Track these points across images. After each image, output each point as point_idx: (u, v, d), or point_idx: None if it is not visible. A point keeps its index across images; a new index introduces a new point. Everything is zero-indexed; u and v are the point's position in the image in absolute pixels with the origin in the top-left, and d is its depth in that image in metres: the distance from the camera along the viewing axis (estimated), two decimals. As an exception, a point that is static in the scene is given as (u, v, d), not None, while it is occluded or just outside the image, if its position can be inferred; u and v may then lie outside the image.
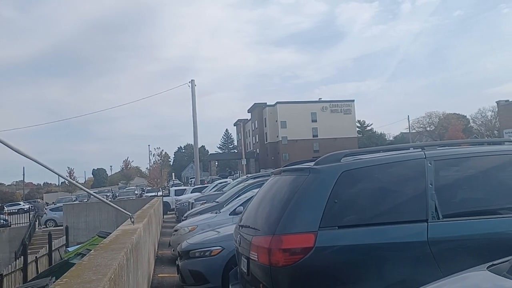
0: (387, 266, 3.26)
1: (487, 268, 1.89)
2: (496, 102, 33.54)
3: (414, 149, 3.94)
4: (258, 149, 77.92)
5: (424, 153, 3.67)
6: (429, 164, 3.56)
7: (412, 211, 3.43)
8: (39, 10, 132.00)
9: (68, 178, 5.02)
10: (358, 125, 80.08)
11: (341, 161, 3.63)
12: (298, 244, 3.25)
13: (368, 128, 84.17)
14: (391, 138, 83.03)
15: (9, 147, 3.16)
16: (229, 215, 9.04)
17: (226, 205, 10.48)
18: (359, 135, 76.73)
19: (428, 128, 75.23)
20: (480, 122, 71.77)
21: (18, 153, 3.22)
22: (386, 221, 3.38)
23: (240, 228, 4.21)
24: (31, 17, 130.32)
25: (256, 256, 3.52)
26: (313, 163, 3.76)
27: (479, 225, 3.44)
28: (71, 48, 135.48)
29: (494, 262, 1.93)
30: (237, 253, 4.29)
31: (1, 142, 3.16)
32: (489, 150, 4.06)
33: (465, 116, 75.99)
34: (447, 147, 4.13)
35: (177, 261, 7.00)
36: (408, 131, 71.88)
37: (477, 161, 3.80)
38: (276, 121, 71.02)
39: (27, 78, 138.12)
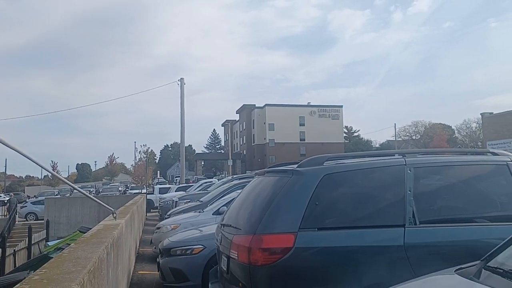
0: (364, 268, 3.33)
1: (455, 271, 1.97)
2: (480, 114, 34.12)
3: (395, 155, 4.03)
4: (245, 151, 77.97)
5: (405, 160, 3.77)
6: (409, 171, 3.65)
7: (391, 216, 3.51)
8: (28, 0, 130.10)
9: (51, 171, 4.99)
10: (346, 131, 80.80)
11: (324, 164, 3.70)
12: (278, 244, 3.31)
13: (355, 134, 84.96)
14: (377, 145, 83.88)
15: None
16: (212, 214, 9.05)
17: (209, 205, 10.47)
18: (346, 141, 77.39)
19: (413, 137, 76.24)
20: (464, 133, 73.02)
21: (1, 143, 3.21)
22: (365, 225, 3.46)
23: (222, 227, 4.25)
24: (19, 7, 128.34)
25: (236, 255, 3.56)
26: (296, 165, 3.82)
27: (454, 232, 3.53)
28: (59, 40, 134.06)
29: (462, 266, 2.01)
30: (218, 252, 4.33)
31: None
32: (468, 160, 4.17)
33: (451, 126, 77.26)
34: (427, 155, 4.23)
35: (158, 259, 6.99)
36: (394, 139, 72.71)
37: (455, 170, 3.91)
38: (264, 123, 71.20)
39: (12, 68, 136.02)
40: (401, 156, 3.91)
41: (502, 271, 1.74)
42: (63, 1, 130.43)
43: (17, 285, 2.17)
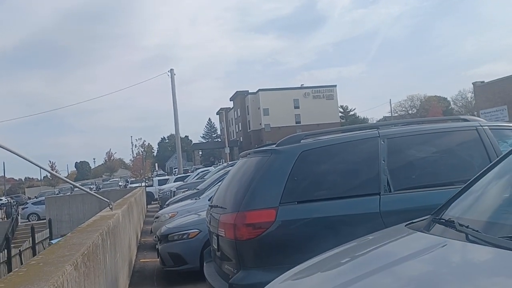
0: (343, 236, 3.52)
1: (405, 225, 2.17)
2: (472, 83, 34.27)
3: (370, 129, 4.22)
4: (241, 137, 78.13)
5: (378, 132, 3.96)
6: (382, 142, 3.85)
7: (366, 185, 3.72)
8: (13, 1, 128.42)
9: (50, 170, 5.22)
10: (341, 110, 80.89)
11: (301, 142, 3.89)
12: (260, 219, 3.52)
13: (351, 113, 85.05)
14: (374, 122, 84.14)
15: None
16: (208, 200, 9.25)
17: (206, 192, 10.70)
18: (342, 120, 77.51)
19: (410, 111, 76.47)
20: (460, 103, 73.34)
21: (3, 148, 3.38)
22: (342, 196, 3.67)
23: (211, 208, 4.47)
24: (5, 8, 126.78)
25: (224, 232, 3.78)
26: (275, 145, 4.01)
27: (428, 197, 3.73)
28: (48, 39, 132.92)
29: (413, 221, 2.22)
30: (209, 232, 4.55)
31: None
32: (439, 127, 4.36)
33: (446, 98, 77.46)
34: (402, 126, 4.43)
35: (157, 245, 7.23)
36: (391, 115, 72.94)
37: (427, 138, 4.11)
38: (259, 108, 71.24)
39: (3, 70, 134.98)
40: (376, 129, 4.10)
41: (444, 221, 1.94)
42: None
43: (16, 269, 2.37)
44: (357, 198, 3.67)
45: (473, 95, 65.96)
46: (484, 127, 4.08)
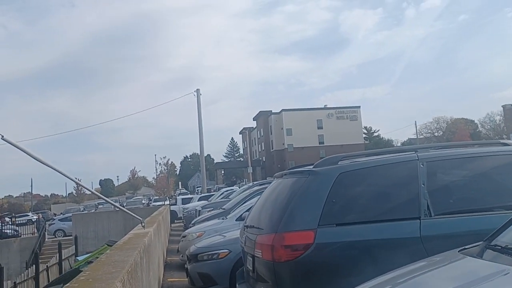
0: (382, 260, 3.48)
1: (459, 251, 2.13)
2: (502, 106, 33.57)
3: (408, 151, 4.19)
4: (264, 157, 78.19)
5: (417, 155, 3.92)
6: (421, 165, 3.80)
7: (406, 209, 3.66)
8: (45, 23, 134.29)
9: (91, 189, 5.35)
10: (365, 131, 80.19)
11: (338, 163, 3.89)
12: (298, 240, 3.50)
13: (375, 134, 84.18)
14: (398, 144, 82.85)
15: (32, 157, 3.47)
16: (236, 221, 9.26)
17: (232, 212, 10.71)
18: (366, 142, 76.76)
19: (436, 134, 75.23)
20: (488, 126, 71.63)
21: (42, 163, 3.53)
22: (381, 219, 3.62)
23: (246, 228, 4.47)
24: (37, 30, 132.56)
25: (260, 253, 3.77)
26: (312, 166, 4.02)
27: (469, 222, 3.65)
28: (76, 60, 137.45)
29: (466, 247, 2.18)
30: (243, 253, 4.54)
31: (24, 152, 3.47)
32: (479, 151, 4.29)
33: (473, 120, 75.94)
34: (440, 149, 4.37)
35: (186, 265, 7.24)
36: (416, 137, 71.84)
37: (467, 162, 4.04)
38: (282, 128, 71.35)
39: (34, 90, 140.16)
40: (414, 152, 4.07)
41: (501, 247, 1.90)
42: (79, 22, 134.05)
43: (67, 284, 2.43)
44: (397, 222, 3.62)
45: (501, 117, 64.63)
46: (526, 151, 3.99)
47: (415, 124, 71.16)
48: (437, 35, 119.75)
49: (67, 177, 4.12)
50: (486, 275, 1.65)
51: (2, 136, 3.19)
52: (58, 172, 3.92)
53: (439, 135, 74.07)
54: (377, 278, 2.20)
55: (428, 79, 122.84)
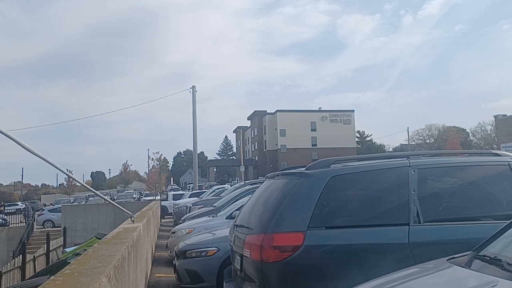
0: (370, 265, 3.49)
1: (447, 260, 2.14)
2: (494, 116, 33.84)
3: (399, 158, 4.20)
4: (257, 157, 78.16)
5: (409, 162, 3.93)
6: (413, 172, 3.82)
7: (395, 215, 3.68)
8: (43, 12, 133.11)
9: (82, 182, 5.28)
10: (358, 135, 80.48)
11: (331, 167, 3.89)
12: (287, 242, 3.50)
13: (368, 138, 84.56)
14: (390, 149, 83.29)
15: (24, 148, 3.42)
16: (226, 219, 9.25)
17: (223, 210, 10.68)
18: (358, 146, 77.05)
19: (427, 141, 75.68)
20: (479, 136, 72.24)
21: (33, 153, 3.49)
22: (370, 224, 3.63)
23: (235, 227, 4.46)
24: (35, 19, 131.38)
25: (249, 253, 3.76)
26: (304, 168, 4.02)
27: (458, 230, 3.67)
28: (73, 51, 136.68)
29: (454, 256, 2.18)
30: (232, 252, 4.53)
31: (16, 142, 3.43)
32: (471, 160, 4.32)
33: (465, 129, 76.50)
34: (431, 157, 4.39)
35: (174, 261, 7.21)
36: (408, 143, 72.20)
37: (458, 170, 4.07)
38: (276, 129, 71.36)
39: (29, 79, 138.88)
40: (406, 158, 4.08)
41: (489, 258, 1.91)
42: (77, 13, 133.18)
43: (51, 277, 2.40)
44: (386, 227, 3.63)
45: (493, 127, 65.11)
46: (516, 162, 4.02)
47: (407, 130, 71.54)
48: (432, 44, 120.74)
49: (57, 168, 4.06)
50: (474, 286, 1.66)
51: (-7, 125, 3.14)
52: (48, 163, 3.86)
53: (430, 142, 74.53)
54: (365, 284, 2.20)
55: (422, 86, 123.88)
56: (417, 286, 1.93)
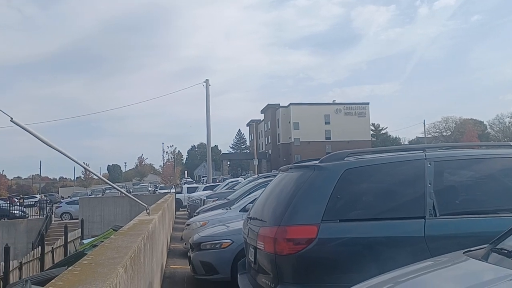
0: (385, 258, 3.47)
1: (463, 253, 2.11)
2: (512, 108, 33.15)
3: (415, 150, 4.15)
4: (270, 150, 78.16)
5: (425, 154, 3.89)
6: (429, 165, 3.77)
7: (411, 208, 3.64)
8: (58, 8, 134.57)
9: (94, 172, 5.37)
10: (373, 128, 79.78)
11: (345, 159, 3.87)
12: (301, 234, 3.50)
13: (383, 131, 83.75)
14: (406, 142, 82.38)
15: (40, 140, 3.48)
16: (239, 211, 9.30)
17: (236, 203, 10.74)
18: (373, 139, 76.39)
19: (444, 133, 74.68)
20: (497, 128, 70.99)
21: (49, 145, 3.55)
22: (385, 217, 3.61)
23: (249, 220, 4.48)
24: (50, 15, 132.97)
25: (262, 245, 3.78)
26: (318, 161, 4.00)
27: (475, 224, 3.62)
28: (88, 46, 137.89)
29: (471, 249, 2.16)
30: (246, 244, 4.56)
31: (33, 135, 3.49)
32: (488, 153, 4.25)
33: (482, 122, 75.19)
34: (448, 149, 4.33)
35: (189, 253, 7.29)
36: (424, 136, 71.34)
37: (475, 163, 4.00)
38: (289, 122, 71.18)
39: (45, 74, 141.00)
40: (422, 151, 4.03)
41: (507, 251, 1.88)
42: (91, 8, 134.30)
43: (69, 268, 2.45)
44: (401, 220, 3.60)
45: (511, 120, 64.00)
46: (536, 155, 3.94)
47: (424, 123, 70.74)
48: (449, 35, 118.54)
49: (74, 161, 4.13)
50: (490, 279, 1.64)
51: (11, 118, 3.20)
52: (65, 155, 3.93)
53: (447, 134, 73.51)
54: (381, 276, 2.19)
55: (438, 78, 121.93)
56: (433, 279, 1.91)
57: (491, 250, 2.00)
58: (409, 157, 3.95)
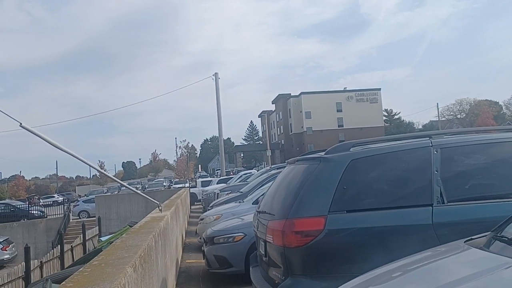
0: (393, 247, 3.47)
1: (465, 242, 2.11)
2: (528, 87, 32.45)
3: (421, 138, 4.12)
4: (283, 140, 78.04)
5: (431, 141, 3.86)
6: (435, 152, 3.75)
7: (418, 196, 3.63)
8: (67, 10, 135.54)
9: (101, 170, 5.45)
10: (385, 114, 78.92)
11: (350, 150, 3.86)
12: (309, 227, 3.53)
13: (396, 117, 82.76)
14: (420, 127, 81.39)
15: (49, 143, 3.55)
16: (252, 204, 9.36)
17: (249, 195, 10.81)
18: (386, 124, 75.64)
19: (458, 116, 73.51)
20: (513, 108, 69.55)
21: (58, 148, 3.62)
22: (393, 206, 3.60)
23: (258, 214, 4.52)
24: (60, 17, 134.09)
25: (271, 239, 3.82)
26: (324, 152, 4.01)
27: (483, 209, 3.60)
28: (97, 45, 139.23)
29: (473, 237, 2.15)
30: (256, 237, 4.60)
31: (41, 138, 3.56)
32: (496, 137, 4.18)
33: (498, 102, 73.79)
34: (455, 135, 4.28)
35: (203, 247, 7.39)
36: (438, 119, 70.35)
37: (482, 148, 3.95)
38: (301, 111, 70.87)
39: (57, 75, 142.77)
40: (428, 138, 4.00)
41: (507, 239, 1.87)
42: (99, 8, 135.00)
43: (80, 269, 2.52)
44: (409, 208, 3.59)
45: (528, 99, 62.68)
46: (545, 137, 3.88)
47: (437, 106, 69.73)
48: (460, 15, 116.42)
49: (83, 161, 4.18)
50: (489, 268, 1.63)
51: (21, 124, 3.27)
52: (75, 157, 3.98)
53: (461, 117, 72.35)
54: (380, 268, 2.20)
55: (451, 60, 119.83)
56: (431, 270, 1.92)
57: (493, 238, 1.99)
58: (415, 145, 3.93)
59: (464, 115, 72.20)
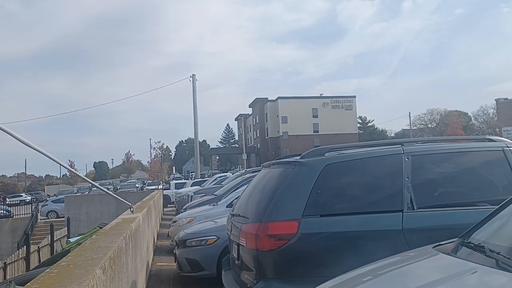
0: (364, 252, 3.53)
1: (433, 247, 2.17)
2: (495, 100, 33.71)
3: (394, 145, 4.21)
4: (259, 144, 78.19)
5: (403, 149, 3.95)
6: (406, 159, 3.83)
7: (389, 202, 3.70)
8: (42, 5, 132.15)
9: (72, 169, 5.32)
10: (360, 121, 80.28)
11: (325, 155, 3.91)
12: (282, 230, 3.54)
13: (370, 124, 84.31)
14: (392, 135, 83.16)
15: (17, 139, 3.44)
16: (226, 207, 9.30)
17: (223, 198, 10.75)
18: (360, 131, 76.94)
19: (429, 125, 75.48)
20: (482, 119, 71.85)
21: (26, 145, 3.51)
22: (364, 211, 3.66)
23: (232, 217, 4.50)
24: (34, 12, 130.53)
25: (245, 242, 3.81)
26: (299, 157, 4.04)
27: (452, 216, 3.70)
28: (74, 42, 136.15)
29: (441, 243, 2.21)
30: (229, 240, 4.58)
31: (10, 134, 3.44)
32: (465, 147, 4.32)
33: (467, 113, 76.17)
34: (426, 144, 4.40)
35: (174, 250, 7.29)
36: (410, 128, 72.04)
37: (452, 157, 4.08)
38: (277, 116, 71.24)
39: (30, 71, 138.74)
40: (400, 145, 4.09)
41: (473, 245, 1.93)
42: (76, 4, 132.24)
43: (46, 270, 2.45)
44: (380, 214, 3.66)
45: (495, 111, 64.87)
46: (511, 148, 4.03)
47: (409, 115, 71.37)
48: (433, 28, 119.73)
49: (54, 160, 4.08)
50: (455, 273, 1.68)
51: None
52: (45, 155, 3.88)
53: (432, 126, 74.31)
54: (346, 274, 2.23)
55: (424, 71, 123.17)
56: (399, 275, 1.96)
57: (460, 244, 2.05)
58: (388, 152, 4.01)
59: (435, 124, 74.22)
